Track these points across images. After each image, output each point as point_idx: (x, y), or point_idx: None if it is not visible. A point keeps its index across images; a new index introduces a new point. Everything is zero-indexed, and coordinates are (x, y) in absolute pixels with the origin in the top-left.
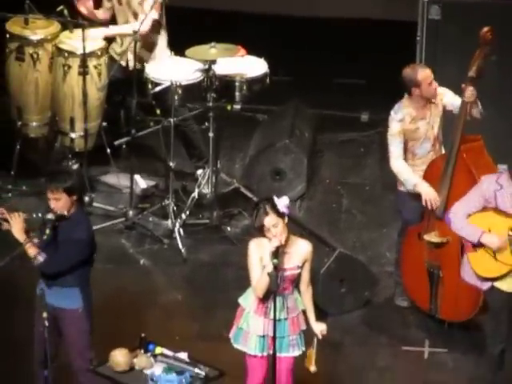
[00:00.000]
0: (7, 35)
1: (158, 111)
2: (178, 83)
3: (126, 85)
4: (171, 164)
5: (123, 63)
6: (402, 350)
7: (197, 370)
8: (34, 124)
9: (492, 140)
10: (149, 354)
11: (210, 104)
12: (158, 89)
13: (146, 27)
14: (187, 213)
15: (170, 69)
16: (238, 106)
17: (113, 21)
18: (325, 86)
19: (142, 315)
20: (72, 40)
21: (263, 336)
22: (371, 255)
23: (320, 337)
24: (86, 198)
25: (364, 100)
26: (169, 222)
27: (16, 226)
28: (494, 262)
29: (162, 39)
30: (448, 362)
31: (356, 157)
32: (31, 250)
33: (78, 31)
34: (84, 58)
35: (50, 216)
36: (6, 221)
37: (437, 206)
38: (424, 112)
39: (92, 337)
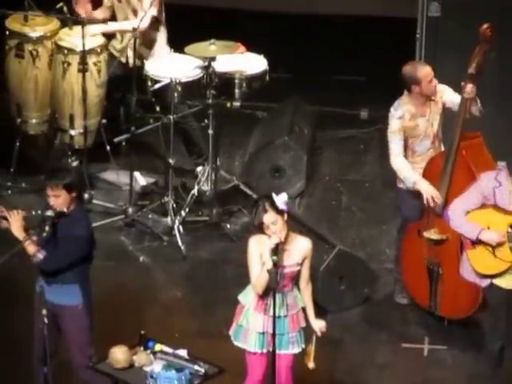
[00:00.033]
0: (7, 32)
1: (158, 108)
2: (177, 80)
3: (126, 82)
4: (171, 161)
5: (123, 60)
6: (401, 347)
7: (196, 367)
8: (34, 121)
9: (491, 137)
10: (148, 351)
11: (210, 101)
12: (157, 86)
13: (145, 24)
14: (187, 210)
15: (169, 66)
16: (237, 103)
17: (112, 18)
18: (324, 82)
19: (141, 312)
20: (71, 37)
21: (263, 333)
22: (371, 252)
23: (319, 334)
24: (86, 195)
25: (363, 97)
26: (168, 219)
27: (15, 223)
28: (493, 258)
29: (162, 36)
30: (447, 359)
31: (355, 154)
32: (31, 248)
33: (78, 28)
34: (83, 55)
35: (49, 213)
36: (5, 219)
37: (437, 204)
38: (423, 109)
39: (92, 333)
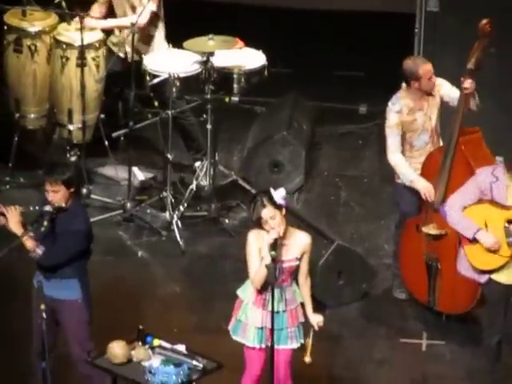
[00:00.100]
0: (5, 27)
1: (156, 103)
2: (176, 75)
3: (124, 77)
4: (169, 156)
5: (121, 55)
6: (399, 342)
7: (195, 362)
8: (32, 116)
9: (490, 132)
10: (147, 346)
11: (208, 96)
12: (155, 81)
13: (144, 20)
14: (185, 205)
15: (168, 61)
16: (236, 98)
17: (111, 14)
18: (323, 78)
19: (140, 307)
20: (70, 32)
21: (261, 328)
22: (369, 247)
23: (317, 328)
24: (84, 190)
25: (362, 92)
26: (167, 214)
27: (13, 219)
28: (490, 254)
29: (160, 32)
30: (446, 354)
31: (354, 149)
32: (29, 243)
33: (76, 23)
34: (82, 49)
35: (48, 208)
36: (3, 215)
37: (435, 199)
38: (421, 103)
39: (91, 328)
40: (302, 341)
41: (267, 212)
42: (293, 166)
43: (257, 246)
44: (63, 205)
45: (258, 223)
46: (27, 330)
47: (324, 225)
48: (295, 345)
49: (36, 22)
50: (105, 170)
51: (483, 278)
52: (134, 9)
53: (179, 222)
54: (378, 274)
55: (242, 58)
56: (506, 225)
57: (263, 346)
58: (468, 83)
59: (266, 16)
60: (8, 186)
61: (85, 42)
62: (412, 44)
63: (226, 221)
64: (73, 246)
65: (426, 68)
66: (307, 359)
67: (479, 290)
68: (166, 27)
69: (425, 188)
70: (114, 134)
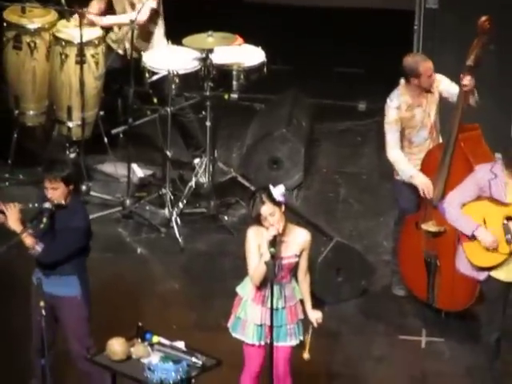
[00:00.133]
0: (4, 24)
1: (155, 100)
2: (175, 72)
3: (124, 74)
4: (168, 153)
5: (120, 52)
6: (398, 339)
7: (194, 359)
8: (32, 113)
9: (489, 129)
10: (146, 343)
11: (208, 93)
12: (155, 78)
13: (143, 17)
14: (184, 202)
15: (167, 58)
16: (235, 95)
17: (110, 10)
18: (323, 75)
19: (139, 304)
20: (69, 29)
21: (261, 325)
22: (368, 244)
23: (315, 325)
24: (83, 187)
25: (362, 89)
26: (166, 211)
27: (12, 216)
28: (489, 251)
29: (160, 29)
30: (445, 351)
31: (353, 146)
32: (28, 240)
33: (75, 20)
34: (81, 46)
35: (47, 205)
36: (2, 212)
37: (434, 195)
38: (420, 99)
39: (90, 325)
40: (301, 338)
41: (266, 209)
42: (292, 162)
43: (256, 242)
44: (62, 202)
45: (258, 220)
46: (26, 327)
47: (323, 221)
48: (294, 342)
49: (35, 18)
50: (104, 166)
51: (482, 276)
52: (133, 6)
53: (178, 219)
54: (376, 270)
55: (242, 54)
56: (505, 222)
57: (262, 343)
58: (467, 80)
59: (265, 13)
60: (7, 183)
61: (84, 39)
62: (411, 41)
63: (225, 218)
64: (72, 243)
65: (426, 65)
66: (306, 355)
67: (478, 287)
68: (165, 24)
69: (423, 184)
70: (114, 131)
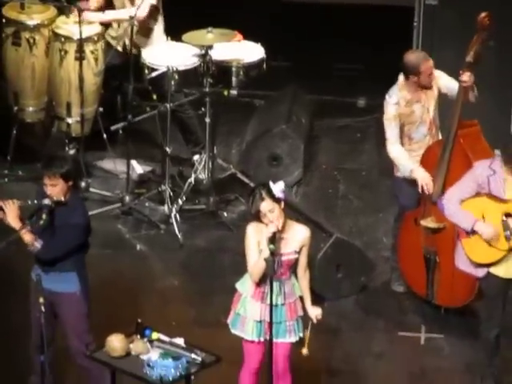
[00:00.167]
0: (3, 20)
1: (155, 96)
2: (174, 68)
3: (123, 70)
4: (168, 149)
5: (119, 48)
6: (398, 335)
7: (193, 356)
8: (31, 109)
9: (489, 125)
10: (145, 340)
11: (207, 89)
12: (154, 74)
13: (143, 13)
14: (184, 198)
15: (166, 54)
16: (234, 92)
17: (109, 6)
18: (322, 71)
19: (138, 301)
20: (68, 25)
21: (260, 321)
22: (368, 240)
23: (315, 321)
24: (83, 184)
25: (361, 85)
26: (165, 208)
27: (11, 213)
28: (488, 247)
29: (159, 25)
30: (444, 348)
31: (353, 142)
32: (27, 237)
33: (75, 16)
34: (80, 43)
35: (46, 201)
36: (1, 209)
37: (433, 192)
38: (419, 95)
39: (89, 321)
40: (301, 334)
41: (266, 205)
42: (291, 159)
43: (255, 239)
44: (62, 198)
45: (257, 216)
46: (26, 324)
47: (322, 218)
48: (293, 338)
49: (34, 15)
50: (103, 163)
51: (481, 272)
52: (132, 1)
53: (178, 216)
54: (376, 267)
55: (241, 51)
56: (504, 218)
57: (262, 339)
58: (466, 76)
59: (265, 9)
60: (6, 179)
61: (83, 36)
62: (411, 37)
63: (225, 214)
64: (71, 239)
65: (427, 65)
66: (304, 351)
67: (477, 284)
68: (165, 20)
69: (423, 179)
70: (113, 128)
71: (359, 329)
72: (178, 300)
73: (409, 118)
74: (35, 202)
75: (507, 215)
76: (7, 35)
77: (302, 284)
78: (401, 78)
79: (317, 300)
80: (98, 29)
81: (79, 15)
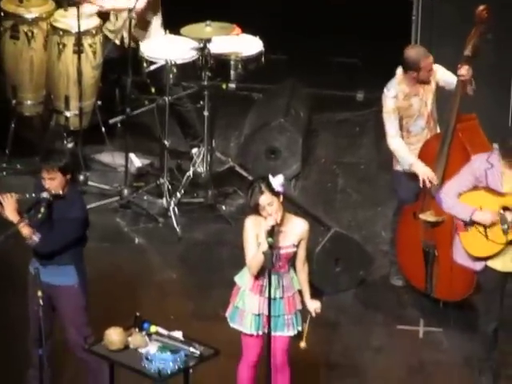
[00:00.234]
0: (1, 13)
1: (153, 90)
2: (172, 62)
3: (121, 63)
4: (166, 143)
5: (117, 42)
6: (396, 329)
7: (191, 349)
8: (29, 102)
9: (487, 119)
10: (143, 333)
11: (205, 83)
12: (152, 67)
13: (141, 4)
14: (182, 191)
15: (164, 47)
16: (233, 85)
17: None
18: (321, 65)
19: (136, 294)
20: (67, 18)
21: (259, 315)
22: (366, 234)
23: (314, 315)
24: (81, 177)
25: (360, 79)
26: (164, 201)
27: (9, 207)
28: (485, 241)
29: (157, 18)
30: (443, 341)
31: (351, 136)
32: (25, 230)
33: (73, 9)
34: (79, 36)
35: (45, 195)
36: None
37: (433, 185)
38: (417, 89)
39: (88, 313)
40: (300, 328)
41: (265, 198)
42: (290, 152)
43: (254, 232)
44: (60, 192)
45: (256, 209)
46: (24, 317)
47: (321, 212)
48: (292, 332)
49: (33, 8)
50: (102, 156)
51: (479, 266)
52: None
53: (176, 209)
54: (375, 260)
55: (239, 44)
56: (501, 212)
57: (260, 332)
58: (465, 70)
59: (263, 2)
60: (5, 173)
61: (82, 29)
62: (409, 31)
63: (223, 207)
64: (70, 233)
65: (427, 61)
66: (302, 344)
67: (476, 278)
68: (163, 13)
69: (424, 173)
70: (111, 121)
71: (358, 322)
72: (176, 293)
73: (407, 111)
74: (33, 195)
75: (504, 209)
76: (5, 28)
77: (300, 277)
78: (399, 71)
79: (315, 294)
80: (96, 22)
81: (77, 7)
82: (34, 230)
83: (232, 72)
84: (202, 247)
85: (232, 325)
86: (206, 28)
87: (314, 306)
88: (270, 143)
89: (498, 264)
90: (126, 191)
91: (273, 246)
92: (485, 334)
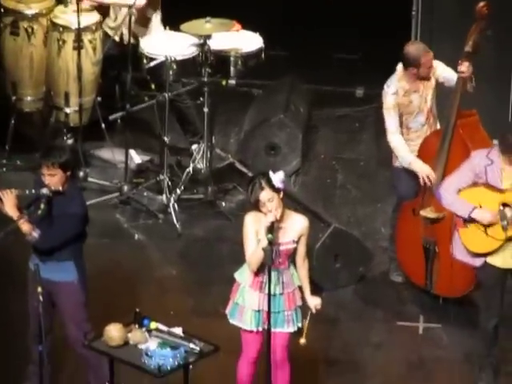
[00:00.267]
0: (1, 10)
1: (153, 86)
2: (172, 58)
3: (121, 60)
4: (166, 139)
5: (117, 38)
6: (396, 325)
7: (191, 345)
8: (29, 99)
9: (487, 115)
10: (143, 329)
11: (205, 79)
12: (152, 64)
13: (142, 1)
14: (182, 188)
15: (164, 43)
16: (232, 81)
17: None
18: (321, 61)
19: (136, 290)
20: (67, 14)
21: (258, 311)
22: (366, 230)
23: (314, 311)
24: (81, 173)
25: (359, 75)
26: (163, 197)
27: (8, 203)
28: (484, 237)
29: (157, 15)
30: (442, 337)
31: (351, 132)
32: (25, 227)
33: (73, 5)
34: (79, 32)
35: (44, 191)
36: None
37: (433, 182)
38: (417, 85)
39: (87, 309)
40: (300, 324)
41: (265, 194)
42: (289, 148)
43: (254, 228)
44: (60, 188)
45: (256, 205)
46: (24, 314)
47: (321, 208)
48: (292, 328)
49: (33, 4)
50: (101, 152)
51: (478, 262)
52: None
53: (176, 205)
54: (374, 257)
55: (239, 40)
56: (501, 208)
57: (260, 328)
58: (465, 67)
59: None
60: (4, 169)
61: (81, 25)
62: (409, 27)
63: (223, 204)
64: (69, 229)
65: (427, 57)
66: (302, 341)
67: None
68: (163, 9)
69: (423, 171)
70: (111, 117)
71: (358, 319)
72: (176, 289)
73: (407, 107)
74: (33, 191)
75: (504, 205)
76: (5, 25)
77: (300, 274)
78: (399, 67)
79: (315, 290)
80: (96, 18)
81: (77, 3)
82: (33, 226)
83: (232, 68)
84: (201, 243)
85: (232, 321)
86: (205, 24)
87: (314, 302)
88: (270, 139)
89: (497, 260)
90: (125, 187)
91: (272, 243)
92: (485, 330)
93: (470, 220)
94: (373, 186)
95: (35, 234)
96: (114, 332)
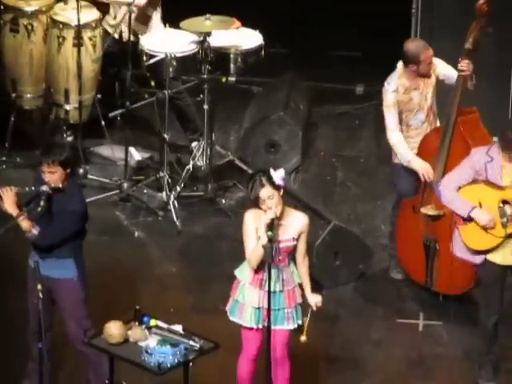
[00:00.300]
0: (1, 6)
1: (153, 83)
2: (172, 55)
3: (121, 57)
4: (166, 136)
5: (116, 36)
6: (396, 322)
7: (191, 343)
8: (29, 96)
9: (487, 112)
10: (143, 327)
11: (205, 76)
12: (152, 61)
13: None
14: (182, 185)
15: (164, 41)
16: (232, 78)
17: None
18: (320, 58)
19: (136, 287)
20: (67, 11)
21: (258, 308)
22: (366, 228)
23: (315, 309)
24: (81, 170)
25: (359, 72)
26: (163, 195)
27: (8, 200)
28: (484, 234)
29: (157, 13)
30: (443, 335)
31: (351, 129)
32: (25, 224)
33: (73, 3)
34: (78, 29)
35: (44, 188)
36: None
37: (434, 179)
38: (417, 82)
39: (87, 306)
40: (300, 322)
41: (265, 192)
42: (289, 146)
43: (254, 225)
44: (60, 185)
45: (256, 202)
46: (24, 311)
47: (320, 205)
48: (292, 326)
49: (32, 1)
50: (101, 149)
51: (478, 259)
52: None
53: (176, 202)
54: (374, 254)
55: (239, 37)
56: (500, 205)
57: (260, 326)
58: (465, 64)
59: None
60: (4, 166)
61: (81, 22)
62: (409, 24)
63: (223, 201)
64: (69, 226)
65: (427, 54)
66: (302, 338)
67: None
68: (163, 7)
69: (422, 168)
70: (111, 114)
71: (358, 316)
72: (176, 287)
73: (407, 105)
74: (33, 188)
75: (504, 202)
76: (5, 22)
77: (301, 271)
78: (399, 65)
79: (315, 287)
80: (95, 15)
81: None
82: (33, 223)
83: (232, 65)
84: (201, 241)
85: (232, 318)
86: (205, 21)
87: (314, 299)
88: (270, 136)
89: (497, 257)
90: (125, 185)
91: (272, 240)
92: (485, 327)
93: (470, 219)
94: (373, 183)
95: (35, 231)
96: (113, 329)
